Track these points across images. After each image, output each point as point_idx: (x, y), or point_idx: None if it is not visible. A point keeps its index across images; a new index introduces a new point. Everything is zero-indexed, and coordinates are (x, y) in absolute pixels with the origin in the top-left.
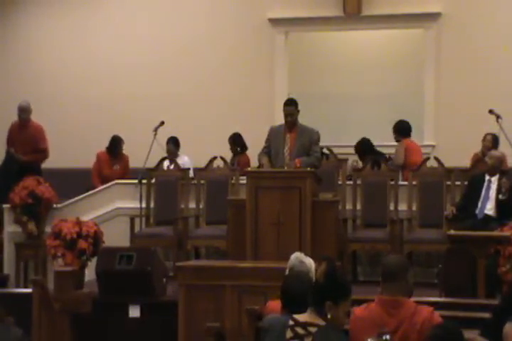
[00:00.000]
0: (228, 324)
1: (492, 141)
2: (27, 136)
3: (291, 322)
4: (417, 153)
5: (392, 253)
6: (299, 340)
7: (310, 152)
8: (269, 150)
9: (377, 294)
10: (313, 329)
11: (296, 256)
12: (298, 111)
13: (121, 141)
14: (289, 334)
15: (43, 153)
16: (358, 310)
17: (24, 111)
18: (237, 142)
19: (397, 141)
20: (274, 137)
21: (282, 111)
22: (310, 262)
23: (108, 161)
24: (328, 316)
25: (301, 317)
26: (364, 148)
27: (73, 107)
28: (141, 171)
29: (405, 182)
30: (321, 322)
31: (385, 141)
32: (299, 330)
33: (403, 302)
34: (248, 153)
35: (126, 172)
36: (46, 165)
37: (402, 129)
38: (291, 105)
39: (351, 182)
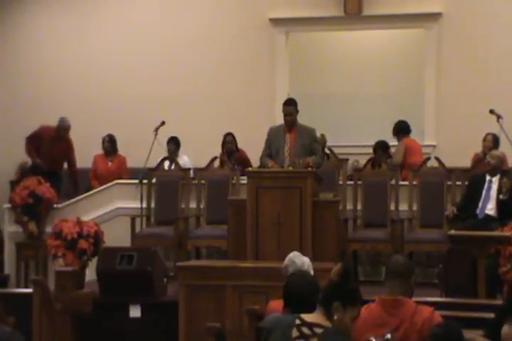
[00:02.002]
0: (229, 324)
1: (493, 141)
2: (61, 149)
3: (297, 322)
4: (418, 152)
5: (397, 254)
6: (305, 340)
7: (313, 151)
8: (270, 151)
9: (378, 294)
10: (319, 331)
11: (290, 255)
12: (297, 111)
13: (106, 137)
14: (294, 333)
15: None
16: None
17: (66, 130)
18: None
19: (398, 141)
20: (274, 137)
21: (282, 111)
22: (302, 261)
23: (103, 159)
24: (335, 317)
25: (308, 318)
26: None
27: (73, 107)
28: (141, 171)
29: (406, 182)
30: (328, 324)
31: None
32: (305, 330)
33: (404, 302)
34: (247, 151)
35: (123, 172)
36: None
37: (401, 129)
38: (290, 105)
39: (352, 182)
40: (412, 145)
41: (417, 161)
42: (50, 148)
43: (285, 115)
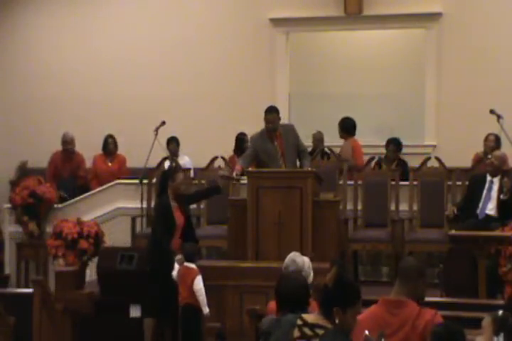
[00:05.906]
0: (229, 324)
1: (495, 141)
2: (73, 165)
3: (299, 322)
4: (361, 153)
5: (409, 256)
6: None
7: (300, 153)
8: (254, 156)
9: (378, 294)
10: (320, 332)
11: (290, 255)
12: (279, 117)
13: (110, 138)
14: (296, 333)
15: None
16: (359, 316)
17: (70, 143)
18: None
19: (341, 138)
20: (260, 146)
21: (264, 119)
22: (303, 261)
23: (103, 160)
24: (336, 321)
25: (309, 318)
26: None
27: (73, 107)
28: (142, 171)
29: (406, 182)
30: (329, 325)
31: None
32: (307, 331)
33: (406, 303)
34: None
35: (123, 172)
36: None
37: (348, 127)
38: (272, 112)
39: (352, 182)
40: (358, 146)
41: (362, 163)
42: (63, 167)
43: (267, 122)
